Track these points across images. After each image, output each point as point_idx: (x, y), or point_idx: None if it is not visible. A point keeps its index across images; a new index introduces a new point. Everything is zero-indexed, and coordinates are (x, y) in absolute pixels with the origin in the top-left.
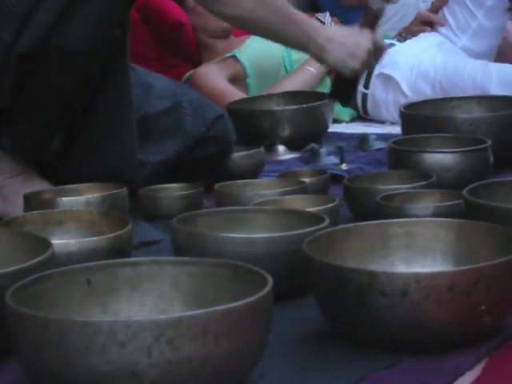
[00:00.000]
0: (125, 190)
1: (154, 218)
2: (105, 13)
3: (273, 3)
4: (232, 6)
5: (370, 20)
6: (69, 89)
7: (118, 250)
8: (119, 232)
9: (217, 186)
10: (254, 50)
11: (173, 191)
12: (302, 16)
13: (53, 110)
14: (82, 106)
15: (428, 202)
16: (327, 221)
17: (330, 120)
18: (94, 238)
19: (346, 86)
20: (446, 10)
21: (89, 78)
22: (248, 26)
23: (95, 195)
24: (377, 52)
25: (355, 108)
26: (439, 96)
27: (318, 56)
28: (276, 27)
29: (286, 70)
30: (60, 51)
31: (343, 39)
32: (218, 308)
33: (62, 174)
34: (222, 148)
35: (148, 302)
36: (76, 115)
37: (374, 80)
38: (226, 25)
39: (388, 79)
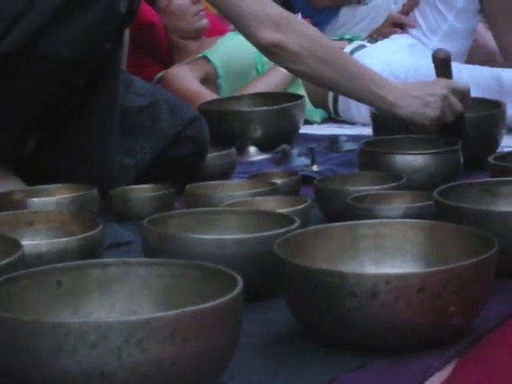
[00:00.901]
0: (95, 191)
1: (124, 219)
2: (97, 25)
3: (335, 61)
4: (293, 62)
5: (441, 69)
6: (49, 94)
7: (89, 251)
8: (90, 233)
9: (188, 187)
10: (226, 51)
11: (143, 192)
12: (369, 72)
13: (30, 112)
14: (64, 111)
15: (398, 204)
16: (298, 222)
17: (302, 121)
18: (64, 239)
19: (452, 128)
20: (416, 12)
21: (73, 87)
22: (311, 81)
23: (65, 196)
24: (461, 96)
25: (326, 109)
26: None
27: (389, 111)
28: (340, 84)
29: (258, 71)
30: (45, 56)
31: (415, 92)
32: (187, 309)
33: (40, 173)
34: (198, 148)
35: (118, 304)
36: (57, 119)
37: None
38: (197, 25)
39: None
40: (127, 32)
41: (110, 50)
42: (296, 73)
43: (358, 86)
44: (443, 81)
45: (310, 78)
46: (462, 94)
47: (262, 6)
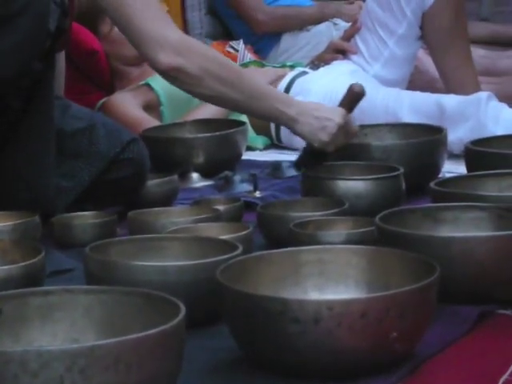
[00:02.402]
0: (37, 219)
1: (66, 246)
2: (23, 45)
3: (236, 81)
4: (193, 85)
5: (350, 101)
6: None
7: (31, 279)
8: (31, 261)
9: (130, 213)
10: None
11: (85, 219)
12: (273, 91)
13: None
14: None
15: (340, 229)
16: (240, 248)
17: (244, 148)
18: (5, 267)
19: (312, 157)
20: (358, 39)
21: (6, 109)
22: (215, 103)
23: (7, 224)
24: (347, 133)
25: (269, 136)
26: None
27: (290, 127)
28: (243, 103)
29: None
30: None
31: (316, 113)
32: (130, 337)
33: None
34: (137, 170)
35: (60, 332)
36: None
37: None
38: None
39: None
40: (63, 57)
41: (42, 69)
42: (198, 96)
43: (261, 104)
44: (343, 111)
45: (212, 100)
46: (350, 132)
47: (162, 31)
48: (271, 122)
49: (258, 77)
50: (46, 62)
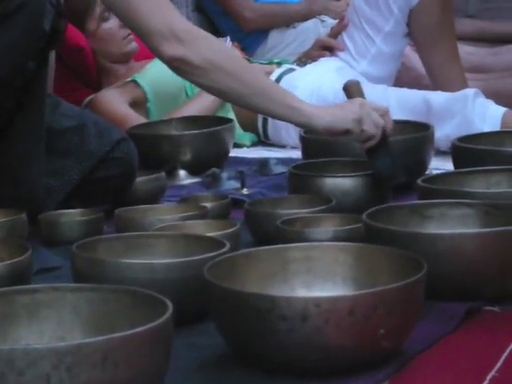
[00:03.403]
0: (23, 216)
1: (53, 243)
2: (18, 45)
3: (244, 75)
4: (196, 75)
5: (355, 94)
6: None
7: (18, 277)
8: (18, 258)
9: (117, 211)
10: (155, 75)
11: (72, 216)
12: (282, 88)
13: None
14: None
15: (328, 226)
16: (228, 246)
17: (231, 145)
18: None
19: (378, 151)
20: (345, 36)
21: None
22: (219, 95)
23: None
24: (380, 113)
25: (256, 132)
26: None
27: (306, 123)
28: (250, 98)
29: (187, 94)
30: None
31: (331, 108)
32: (117, 335)
33: None
34: (126, 170)
35: (47, 330)
36: None
37: None
38: (126, 49)
39: None
40: (53, 55)
41: (35, 69)
42: (203, 87)
43: (271, 100)
44: (359, 98)
45: (216, 93)
46: (381, 111)
47: (167, 21)
48: (282, 121)
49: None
50: (39, 61)
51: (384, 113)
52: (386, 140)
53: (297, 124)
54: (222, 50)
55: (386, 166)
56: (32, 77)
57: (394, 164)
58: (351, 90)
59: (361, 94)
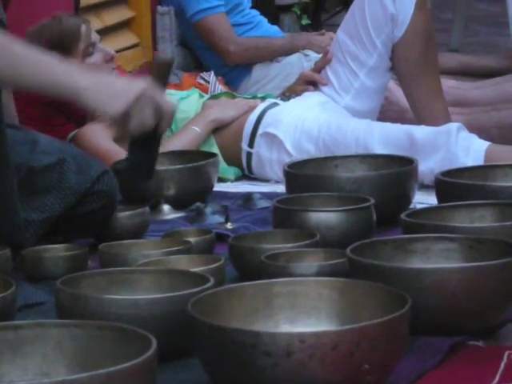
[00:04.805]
0: (7, 252)
1: (38, 279)
2: None
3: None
4: None
5: (159, 73)
6: None
7: (2, 313)
8: (2, 294)
9: (101, 246)
10: None
11: (57, 252)
12: (51, 58)
13: None
14: None
15: (312, 261)
16: (212, 281)
17: (215, 179)
18: None
19: (138, 149)
20: (328, 70)
21: None
22: None
23: None
24: (159, 109)
25: (240, 167)
26: (323, 154)
27: (75, 96)
28: (8, 70)
29: (171, 129)
30: None
31: (107, 81)
32: (101, 371)
33: None
34: (107, 202)
35: (31, 366)
36: None
37: (258, 139)
38: None
39: (272, 138)
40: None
41: None
42: None
43: (32, 72)
44: (150, 80)
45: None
46: (161, 107)
47: None
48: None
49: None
50: None
51: (166, 112)
52: (154, 137)
53: (69, 98)
54: None
55: (143, 164)
56: None
57: (152, 164)
58: (157, 66)
59: (164, 74)
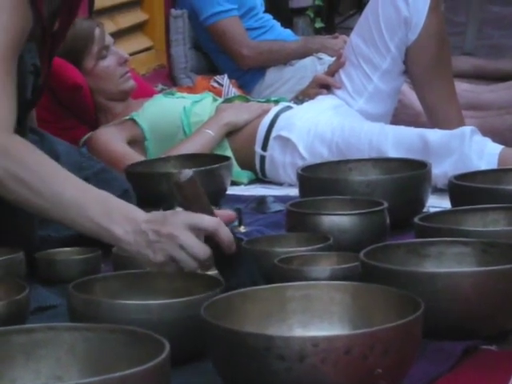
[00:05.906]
0: (21, 255)
1: (51, 282)
2: None
3: (38, 184)
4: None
5: (185, 197)
6: None
7: (15, 316)
8: (16, 297)
9: (114, 249)
10: (153, 113)
11: (70, 255)
12: (92, 197)
13: None
14: None
15: (325, 265)
16: (224, 285)
17: (229, 182)
18: None
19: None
20: (342, 73)
21: None
22: (25, 207)
23: None
24: (207, 234)
25: (253, 170)
26: (336, 157)
27: (117, 245)
28: (51, 211)
29: (185, 132)
30: None
31: (143, 226)
32: (114, 375)
33: None
34: None
35: (44, 369)
36: None
37: (271, 142)
38: (123, 87)
39: (286, 141)
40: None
41: (18, 130)
42: (8, 199)
43: (73, 215)
44: (182, 214)
45: (20, 204)
46: (209, 232)
47: None
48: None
49: (75, 183)
50: (22, 121)
51: (215, 233)
52: (238, 251)
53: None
54: (17, 157)
55: (243, 281)
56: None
57: (252, 273)
58: (180, 188)
59: (196, 194)
